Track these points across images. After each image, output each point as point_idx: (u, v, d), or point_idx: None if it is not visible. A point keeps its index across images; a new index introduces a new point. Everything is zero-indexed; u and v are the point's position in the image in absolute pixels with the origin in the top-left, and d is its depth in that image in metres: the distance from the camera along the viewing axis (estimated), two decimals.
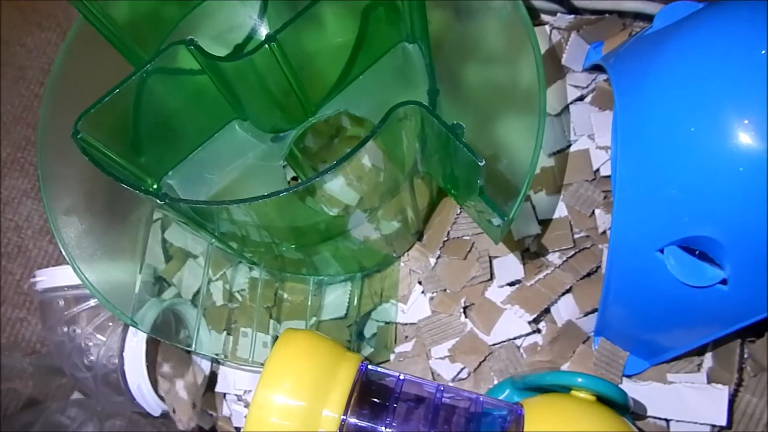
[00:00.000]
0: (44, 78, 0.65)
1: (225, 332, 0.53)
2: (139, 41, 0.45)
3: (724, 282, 0.40)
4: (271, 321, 0.53)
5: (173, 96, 0.44)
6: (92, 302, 0.52)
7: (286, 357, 0.40)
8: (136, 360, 0.50)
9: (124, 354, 0.50)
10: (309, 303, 0.52)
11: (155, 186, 0.46)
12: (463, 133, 0.36)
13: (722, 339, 0.45)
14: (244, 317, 0.53)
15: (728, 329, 0.42)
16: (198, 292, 0.53)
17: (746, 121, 0.36)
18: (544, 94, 0.43)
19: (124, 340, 0.51)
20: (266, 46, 0.39)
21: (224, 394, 0.56)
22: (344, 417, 0.39)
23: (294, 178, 0.55)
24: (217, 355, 0.53)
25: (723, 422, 0.45)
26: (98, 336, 0.52)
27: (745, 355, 0.47)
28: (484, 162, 0.35)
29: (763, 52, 0.37)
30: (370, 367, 0.42)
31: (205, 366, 0.56)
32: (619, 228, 0.42)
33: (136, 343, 0.51)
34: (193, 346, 0.50)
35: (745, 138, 0.36)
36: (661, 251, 0.41)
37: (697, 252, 0.40)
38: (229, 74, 0.42)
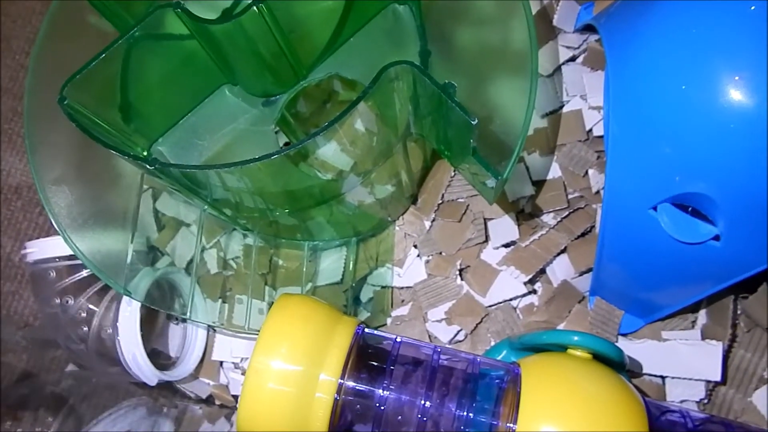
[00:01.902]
0: (29, 48, 0.64)
1: (220, 300, 0.53)
2: (125, 6, 0.44)
3: (717, 238, 0.40)
4: (267, 288, 0.53)
5: (161, 61, 0.43)
6: (84, 273, 0.52)
7: (282, 322, 0.40)
8: (131, 330, 0.50)
9: (118, 324, 0.50)
10: (304, 269, 0.52)
11: (145, 153, 0.45)
12: (455, 92, 0.36)
13: (716, 296, 0.45)
14: (238, 284, 0.53)
15: (722, 285, 0.42)
16: (191, 260, 0.52)
17: (737, 78, 0.36)
18: (535, 54, 0.42)
19: (117, 310, 0.51)
20: (254, 8, 0.38)
21: (221, 362, 0.56)
22: (342, 380, 0.39)
23: (286, 144, 0.54)
24: (212, 323, 0.53)
25: (718, 378, 0.45)
26: (91, 307, 0.51)
27: (739, 311, 0.47)
28: (477, 121, 0.35)
29: (753, 8, 0.36)
30: (366, 330, 0.42)
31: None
32: (613, 187, 0.42)
33: (130, 312, 0.50)
34: (188, 314, 0.50)
35: (736, 94, 0.36)
36: (655, 209, 0.41)
37: (690, 209, 0.40)
38: (218, 38, 0.41)
